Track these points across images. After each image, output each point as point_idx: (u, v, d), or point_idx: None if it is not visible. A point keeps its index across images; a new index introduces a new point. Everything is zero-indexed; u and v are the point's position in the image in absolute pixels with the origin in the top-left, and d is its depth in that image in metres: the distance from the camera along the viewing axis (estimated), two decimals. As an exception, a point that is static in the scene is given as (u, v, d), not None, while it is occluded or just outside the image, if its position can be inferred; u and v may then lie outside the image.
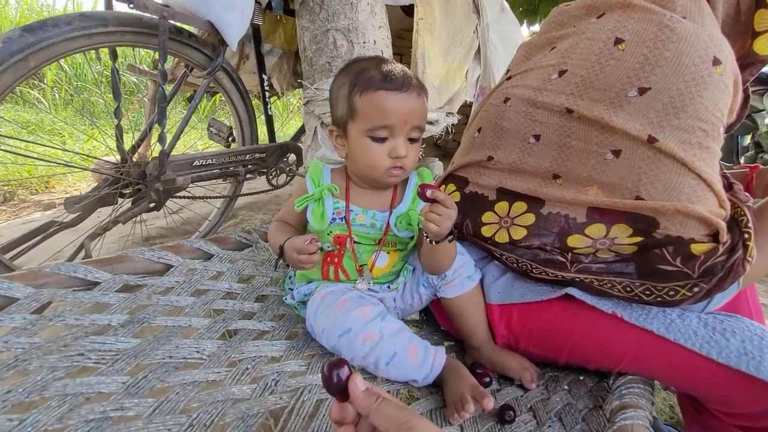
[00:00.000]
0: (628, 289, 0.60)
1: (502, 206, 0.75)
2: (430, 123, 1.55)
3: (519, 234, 0.71)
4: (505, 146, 0.76)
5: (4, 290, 0.58)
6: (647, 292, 0.58)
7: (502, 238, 0.73)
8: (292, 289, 0.78)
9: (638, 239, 0.59)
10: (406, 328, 0.67)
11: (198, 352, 0.60)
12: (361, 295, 0.71)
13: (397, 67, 0.66)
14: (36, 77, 3.44)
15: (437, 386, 0.64)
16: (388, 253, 0.73)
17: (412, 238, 0.73)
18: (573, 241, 0.65)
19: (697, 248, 0.55)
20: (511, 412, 0.57)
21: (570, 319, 0.66)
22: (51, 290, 0.61)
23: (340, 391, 0.37)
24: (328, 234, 0.71)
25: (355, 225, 0.71)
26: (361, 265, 0.72)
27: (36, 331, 0.55)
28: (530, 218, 0.71)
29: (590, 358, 0.66)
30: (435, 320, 0.86)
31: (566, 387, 0.66)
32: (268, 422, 0.72)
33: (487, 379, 0.66)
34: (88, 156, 1.75)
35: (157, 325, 0.63)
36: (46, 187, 2.31)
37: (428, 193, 0.59)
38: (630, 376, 0.61)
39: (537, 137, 0.71)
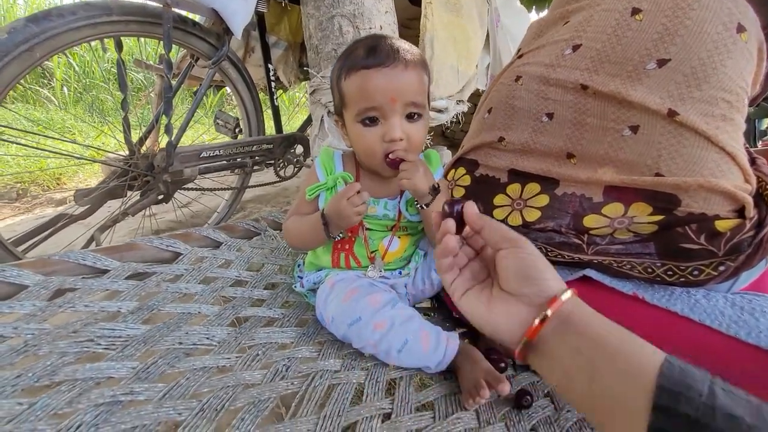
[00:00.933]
0: (649, 269, 0.57)
1: (514, 188, 0.73)
2: (439, 111, 1.52)
3: (532, 216, 0.69)
4: (517, 126, 0.73)
5: (14, 278, 0.58)
6: (669, 273, 0.56)
7: (515, 220, 0.71)
8: (301, 277, 0.77)
9: (659, 218, 0.56)
10: (418, 314, 0.65)
11: (208, 338, 0.60)
12: (372, 283, 0.70)
13: (386, 42, 0.60)
14: (45, 75, 3.48)
15: (451, 372, 0.63)
16: (399, 237, 0.72)
17: None
18: (589, 221, 0.63)
19: (722, 225, 0.53)
20: (528, 398, 0.56)
21: (588, 302, 0.64)
22: (60, 278, 0.61)
23: (457, 222, 0.44)
24: None
25: (367, 216, 0.69)
26: (372, 252, 0.71)
27: (46, 318, 0.55)
28: (544, 199, 0.69)
29: (609, 341, 0.64)
30: (446, 307, 0.85)
31: (583, 372, 0.64)
32: (279, 410, 0.71)
33: (503, 365, 0.64)
34: (98, 149, 1.76)
35: (167, 312, 0.63)
36: (58, 184, 2.34)
37: (390, 155, 0.62)
38: (651, 360, 0.59)
39: (550, 116, 0.69)
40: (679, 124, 0.54)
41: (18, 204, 2.17)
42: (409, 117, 0.62)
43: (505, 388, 0.55)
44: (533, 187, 0.70)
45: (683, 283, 0.56)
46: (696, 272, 0.54)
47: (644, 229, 0.58)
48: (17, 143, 1.57)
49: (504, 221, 0.72)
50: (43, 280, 0.60)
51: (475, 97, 1.73)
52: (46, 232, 1.25)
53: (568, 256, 0.64)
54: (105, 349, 0.52)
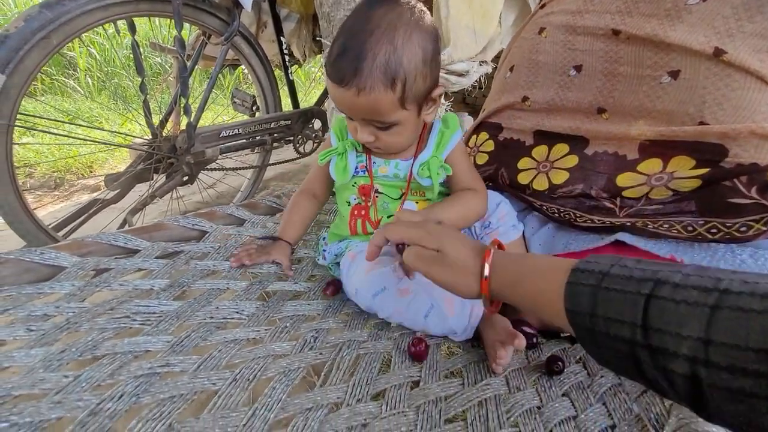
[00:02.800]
0: (689, 228, 0.54)
1: (540, 150, 0.70)
2: (461, 75, 1.45)
3: (560, 178, 0.66)
4: (542, 83, 0.69)
5: (53, 260, 0.61)
6: (713, 230, 0.52)
7: (540, 184, 0.68)
8: (325, 250, 0.77)
9: (702, 171, 0.52)
10: None
11: (237, 312, 0.61)
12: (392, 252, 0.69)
13: (355, 46, 0.52)
14: (69, 66, 3.55)
15: (478, 340, 0.62)
16: (417, 202, 0.70)
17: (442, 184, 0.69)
18: (624, 180, 0.59)
19: (776, 176, 0.48)
20: (560, 363, 0.54)
21: None
22: (95, 258, 0.64)
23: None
24: (352, 185, 0.70)
25: (378, 176, 0.69)
26: (389, 217, 0.70)
27: (84, 297, 0.57)
28: (573, 160, 0.65)
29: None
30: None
31: (617, 336, 0.62)
32: (312, 379, 0.73)
33: (532, 332, 0.63)
34: (125, 135, 1.81)
35: (197, 289, 0.64)
36: (90, 171, 2.42)
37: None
38: (691, 322, 0.56)
39: (578, 68, 0.64)
40: (727, 64, 0.48)
41: (57, 192, 2.27)
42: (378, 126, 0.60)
43: (521, 343, 0.54)
44: (561, 148, 0.66)
45: (728, 240, 0.52)
46: (744, 228, 0.50)
47: (685, 185, 0.54)
48: (50, 133, 1.63)
49: (529, 186, 0.69)
50: (80, 261, 0.62)
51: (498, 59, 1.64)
52: (82, 218, 1.30)
53: (598, 220, 0.61)
54: (141, 324, 0.55)
